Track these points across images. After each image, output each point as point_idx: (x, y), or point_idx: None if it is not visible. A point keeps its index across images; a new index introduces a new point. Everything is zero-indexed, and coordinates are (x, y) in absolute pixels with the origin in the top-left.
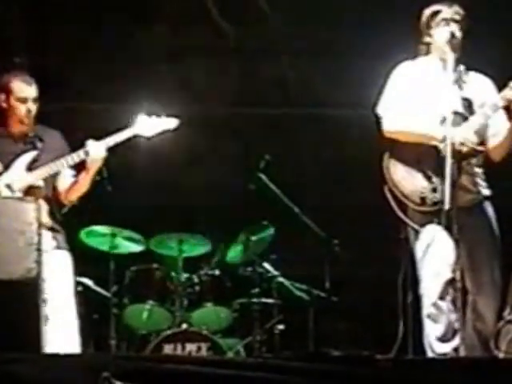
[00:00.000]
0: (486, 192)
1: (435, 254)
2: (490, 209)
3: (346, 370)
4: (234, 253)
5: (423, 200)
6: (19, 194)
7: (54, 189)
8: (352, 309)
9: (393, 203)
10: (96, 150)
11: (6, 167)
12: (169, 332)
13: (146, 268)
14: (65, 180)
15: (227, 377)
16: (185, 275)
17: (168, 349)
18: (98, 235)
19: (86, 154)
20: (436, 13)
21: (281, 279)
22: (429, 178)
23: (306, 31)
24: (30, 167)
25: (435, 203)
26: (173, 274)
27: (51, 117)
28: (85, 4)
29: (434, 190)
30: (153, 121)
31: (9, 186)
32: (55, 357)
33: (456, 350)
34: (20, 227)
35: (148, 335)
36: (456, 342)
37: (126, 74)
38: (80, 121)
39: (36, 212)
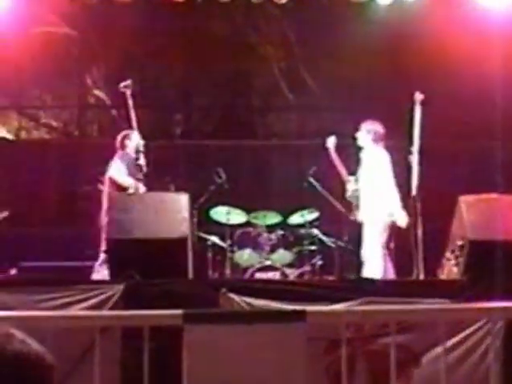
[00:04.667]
0: None
1: None
2: None
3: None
4: (294, 219)
5: None
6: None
7: None
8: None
9: None
10: None
11: None
12: (258, 266)
13: (246, 231)
14: None
15: (291, 290)
16: (268, 234)
17: (258, 275)
18: (220, 212)
19: None
20: None
21: (320, 236)
22: None
23: None
24: None
25: None
26: (261, 233)
27: None
28: None
29: None
30: None
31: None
32: (206, 280)
33: None
34: (178, 208)
35: (247, 268)
36: None
37: None
38: None
39: (187, 201)
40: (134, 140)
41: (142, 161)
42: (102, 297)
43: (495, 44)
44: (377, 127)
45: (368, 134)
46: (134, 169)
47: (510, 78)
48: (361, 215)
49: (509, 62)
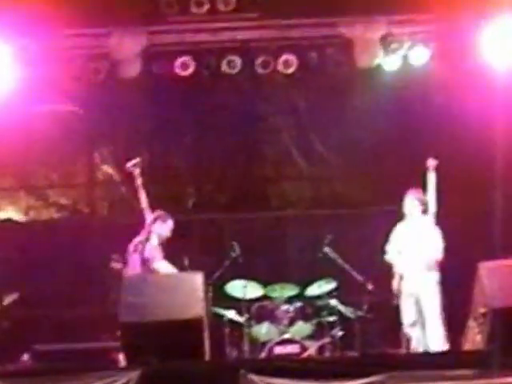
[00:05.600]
0: None
1: None
2: None
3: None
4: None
5: None
6: None
7: None
8: (377, 320)
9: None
10: None
11: None
12: (277, 340)
13: (263, 304)
14: None
15: (312, 368)
16: (286, 306)
17: (278, 350)
18: (236, 287)
19: None
20: None
21: (339, 307)
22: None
23: None
24: None
25: None
26: (279, 306)
27: None
28: None
29: None
30: None
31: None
32: (212, 362)
33: None
34: (193, 288)
35: (266, 342)
36: None
37: None
38: None
39: (202, 279)
40: (168, 225)
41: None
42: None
43: (502, 102)
44: (424, 197)
45: (418, 203)
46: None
47: None
48: (412, 285)
49: None
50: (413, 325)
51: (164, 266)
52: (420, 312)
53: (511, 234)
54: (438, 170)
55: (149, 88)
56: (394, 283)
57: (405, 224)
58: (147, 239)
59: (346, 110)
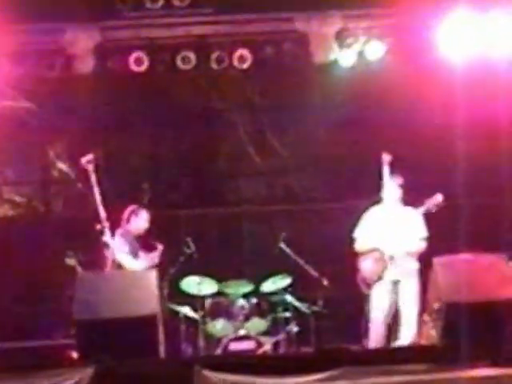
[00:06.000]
0: None
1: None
2: None
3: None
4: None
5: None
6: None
7: None
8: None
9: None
10: None
11: None
12: (232, 336)
13: (218, 301)
14: None
15: (267, 364)
16: (241, 302)
17: (233, 346)
18: (191, 283)
19: None
20: None
21: (294, 302)
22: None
23: None
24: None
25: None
26: (234, 302)
27: None
28: None
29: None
30: None
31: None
32: (167, 359)
33: None
34: (147, 285)
35: (221, 338)
36: None
37: None
38: None
39: (156, 276)
40: (142, 217)
41: None
42: (72, 381)
43: (460, 96)
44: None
45: (399, 190)
46: (135, 246)
47: (476, 129)
48: (392, 272)
49: (473, 113)
50: (382, 314)
51: (125, 259)
52: (394, 301)
53: (472, 230)
54: (394, 165)
55: (104, 84)
56: (373, 269)
57: (380, 210)
58: (106, 235)
59: (302, 106)
